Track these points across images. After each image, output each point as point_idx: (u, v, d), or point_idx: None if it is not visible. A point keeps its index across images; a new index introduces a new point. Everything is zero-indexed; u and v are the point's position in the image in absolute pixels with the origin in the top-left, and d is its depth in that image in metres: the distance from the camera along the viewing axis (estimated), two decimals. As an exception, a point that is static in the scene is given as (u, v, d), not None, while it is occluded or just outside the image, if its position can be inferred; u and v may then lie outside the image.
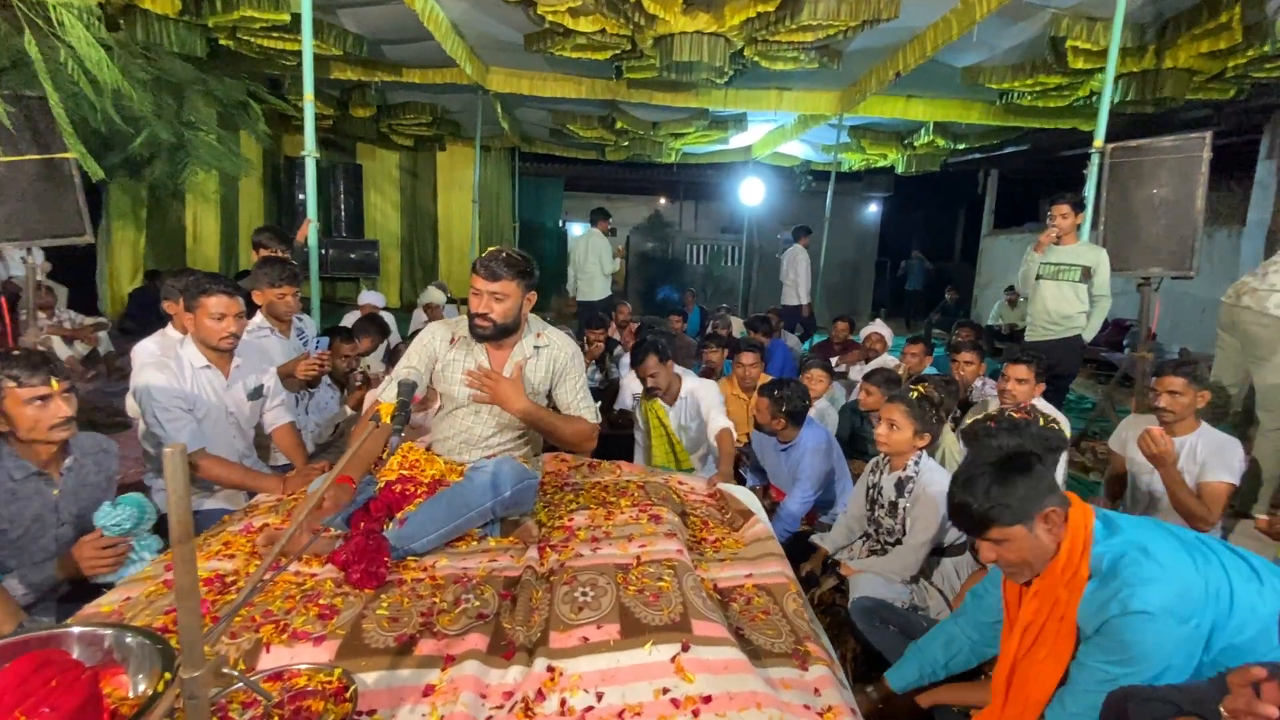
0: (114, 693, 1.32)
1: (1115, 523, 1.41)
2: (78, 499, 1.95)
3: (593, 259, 7.14)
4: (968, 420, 3.67)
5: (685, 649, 1.46)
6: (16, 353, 1.85)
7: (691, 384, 3.52)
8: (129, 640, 1.29)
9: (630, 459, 3.44)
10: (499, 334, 2.12)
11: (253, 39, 5.51)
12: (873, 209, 14.94)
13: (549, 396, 2.29)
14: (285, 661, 1.44)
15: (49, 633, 1.36)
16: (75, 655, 1.32)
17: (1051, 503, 1.40)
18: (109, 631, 1.32)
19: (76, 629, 1.33)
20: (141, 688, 1.30)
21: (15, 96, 3.49)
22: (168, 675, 1.22)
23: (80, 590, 1.90)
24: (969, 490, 1.43)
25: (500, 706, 1.36)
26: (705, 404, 3.37)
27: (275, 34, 5.42)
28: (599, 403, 2.48)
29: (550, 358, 2.24)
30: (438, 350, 2.22)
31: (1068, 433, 2.80)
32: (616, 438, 3.89)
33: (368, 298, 5.98)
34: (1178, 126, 7.09)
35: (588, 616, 1.58)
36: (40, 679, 1.24)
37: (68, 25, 3.45)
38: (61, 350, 5.06)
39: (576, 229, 17.14)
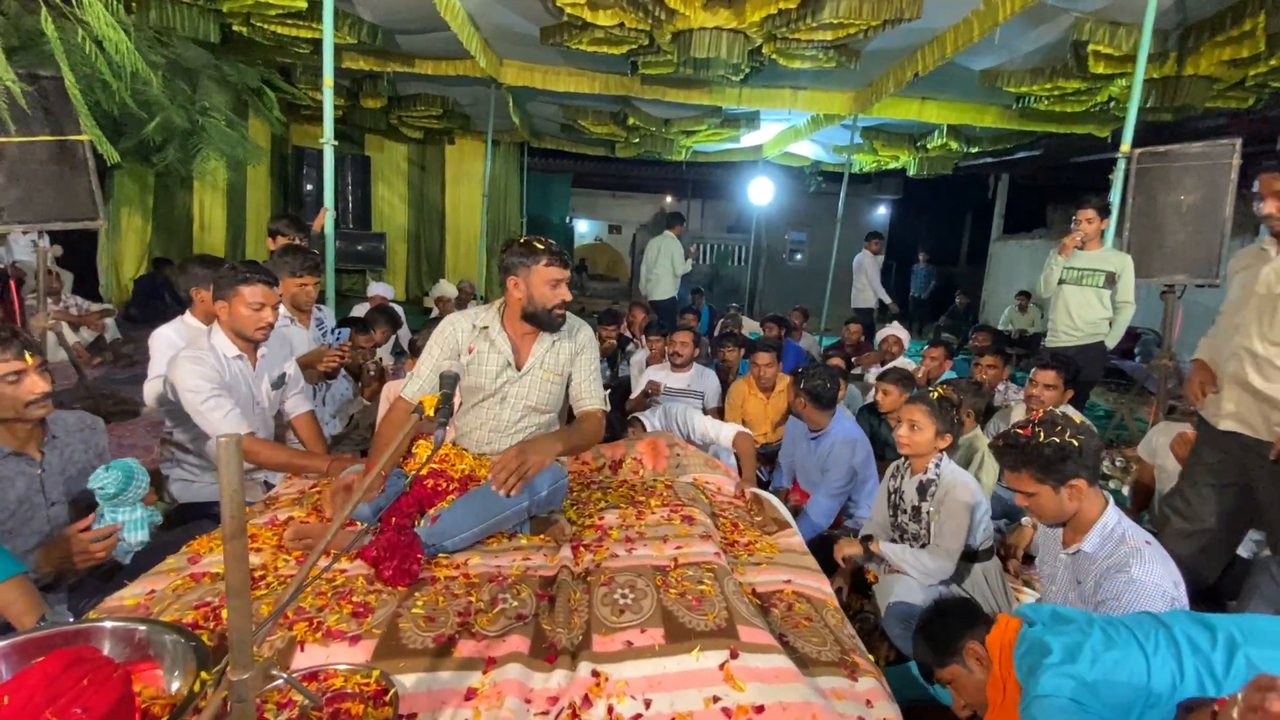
0: (145, 690, 1.27)
1: (1026, 627, 1.42)
2: (65, 476, 1.87)
3: (664, 260, 7.48)
4: (990, 425, 3.65)
5: (734, 656, 1.41)
6: None
7: (656, 419, 3.49)
8: (165, 637, 1.25)
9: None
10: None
11: (266, 25, 5.44)
12: (881, 211, 14.90)
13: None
14: (320, 661, 1.39)
15: (77, 628, 1.31)
16: (105, 651, 1.27)
17: (970, 638, 1.59)
18: (143, 627, 1.28)
19: (109, 624, 1.28)
20: (175, 686, 1.25)
21: (30, 76, 3.42)
22: (204, 674, 1.18)
23: (91, 578, 1.84)
24: (914, 648, 1.73)
25: (545, 713, 1.31)
26: (696, 426, 3.33)
27: (290, 20, 5.36)
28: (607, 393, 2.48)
29: (572, 337, 2.27)
30: (461, 342, 2.19)
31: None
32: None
33: (377, 289, 5.93)
34: (1192, 134, 7.04)
35: (630, 620, 1.53)
36: (71, 678, 1.19)
37: (86, 4, 3.38)
38: (68, 336, 5.00)
39: (582, 225, 17.08)
